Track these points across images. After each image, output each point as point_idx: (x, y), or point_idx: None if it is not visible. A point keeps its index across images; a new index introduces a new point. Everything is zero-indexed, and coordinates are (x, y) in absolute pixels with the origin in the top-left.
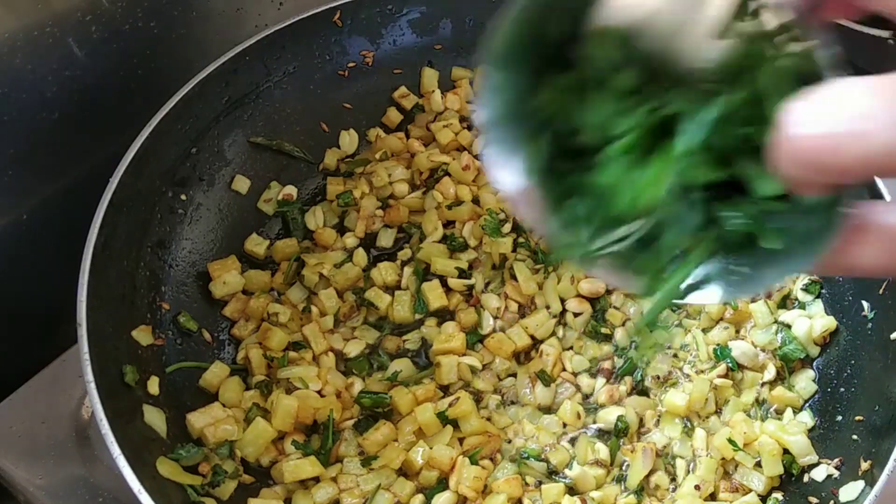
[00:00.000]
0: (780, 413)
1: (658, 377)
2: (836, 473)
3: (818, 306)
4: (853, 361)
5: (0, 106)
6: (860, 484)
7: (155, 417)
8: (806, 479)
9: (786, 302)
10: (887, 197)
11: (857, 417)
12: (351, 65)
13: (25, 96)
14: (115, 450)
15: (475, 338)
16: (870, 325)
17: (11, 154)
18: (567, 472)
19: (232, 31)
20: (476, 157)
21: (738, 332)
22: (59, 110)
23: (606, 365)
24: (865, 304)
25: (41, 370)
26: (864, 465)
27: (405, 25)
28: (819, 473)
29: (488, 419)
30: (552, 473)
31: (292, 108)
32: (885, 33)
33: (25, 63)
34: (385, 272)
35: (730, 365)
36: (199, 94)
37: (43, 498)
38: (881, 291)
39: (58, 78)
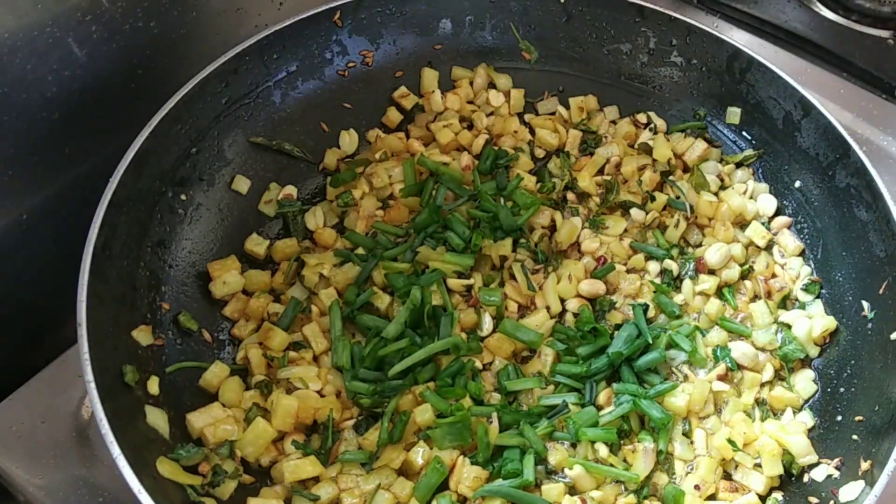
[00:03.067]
0: (776, 413)
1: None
2: (836, 473)
3: (818, 306)
4: (853, 361)
5: (0, 106)
6: (860, 484)
7: (157, 418)
8: (806, 479)
9: (786, 302)
10: (887, 196)
11: (857, 417)
12: (351, 65)
13: (25, 96)
14: (115, 450)
15: (475, 338)
16: (870, 325)
17: (11, 154)
18: (567, 471)
19: (232, 31)
20: (476, 157)
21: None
22: (59, 110)
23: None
24: (865, 304)
25: (41, 370)
26: (864, 465)
27: (405, 25)
28: (819, 473)
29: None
30: (552, 473)
31: (292, 107)
32: (885, 33)
33: (25, 63)
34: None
35: (729, 365)
36: (199, 94)
37: (43, 498)
38: (881, 291)
39: (58, 78)
